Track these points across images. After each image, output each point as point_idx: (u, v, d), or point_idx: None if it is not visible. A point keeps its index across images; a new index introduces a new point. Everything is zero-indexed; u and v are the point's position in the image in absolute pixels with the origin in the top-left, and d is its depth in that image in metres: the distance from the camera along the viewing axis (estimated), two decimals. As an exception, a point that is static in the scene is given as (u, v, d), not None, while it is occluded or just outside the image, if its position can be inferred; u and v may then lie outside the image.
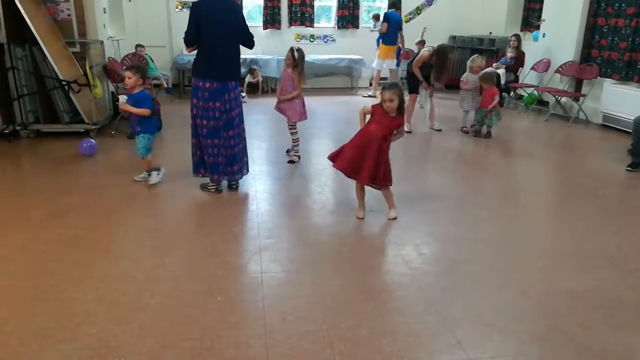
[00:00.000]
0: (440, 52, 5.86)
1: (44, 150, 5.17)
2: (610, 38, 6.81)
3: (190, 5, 3.71)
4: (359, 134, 3.40)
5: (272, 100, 8.25)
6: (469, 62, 6.26)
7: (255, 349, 2.12)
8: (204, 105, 3.75)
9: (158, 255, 2.92)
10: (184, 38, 3.73)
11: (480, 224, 3.50)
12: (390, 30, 8.37)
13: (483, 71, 6.10)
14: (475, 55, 6.38)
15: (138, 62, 7.75)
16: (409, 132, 6.15)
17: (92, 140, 5.00)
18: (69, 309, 2.37)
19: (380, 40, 8.60)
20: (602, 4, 6.89)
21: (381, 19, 8.61)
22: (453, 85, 7.80)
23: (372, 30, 9.04)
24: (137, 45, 7.74)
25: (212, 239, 3.17)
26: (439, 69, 5.86)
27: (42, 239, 3.12)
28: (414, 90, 6.26)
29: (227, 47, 3.72)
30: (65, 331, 2.20)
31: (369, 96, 8.75)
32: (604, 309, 2.48)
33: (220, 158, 3.87)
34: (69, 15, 5.73)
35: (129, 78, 3.91)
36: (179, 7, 9.17)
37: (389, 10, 8.64)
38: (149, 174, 4.14)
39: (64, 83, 5.39)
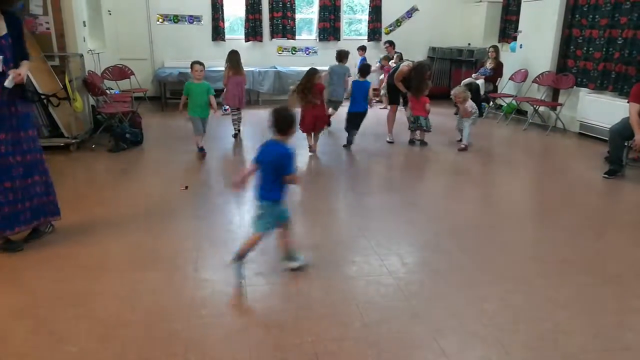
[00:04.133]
0: (418, 70, 6.03)
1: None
2: (585, 48, 6.98)
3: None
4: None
5: (254, 112, 8.30)
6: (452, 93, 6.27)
7: (239, 364, 2.10)
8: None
9: (139, 270, 2.88)
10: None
11: (461, 234, 3.53)
12: None
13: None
14: (457, 87, 6.41)
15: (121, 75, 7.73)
16: (391, 142, 6.23)
17: None
18: (47, 327, 2.32)
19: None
20: (577, 16, 7.07)
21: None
22: (435, 96, 7.89)
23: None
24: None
25: (194, 252, 3.14)
26: (418, 85, 5.98)
27: (20, 256, 3.05)
28: (394, 101, 6.41)
29: None
30: (43, 350, 2.16)
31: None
32: (585, 315, 2.51)
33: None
34: (47, 28, 5.67)
35: None
36: (160, 20, 9.15)
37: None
38: None
39: (42, 97, 5.29)
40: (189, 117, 5.39)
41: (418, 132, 6.20)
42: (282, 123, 2.68)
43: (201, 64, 5.34)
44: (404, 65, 6.16)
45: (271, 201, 2.75)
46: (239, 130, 6.45)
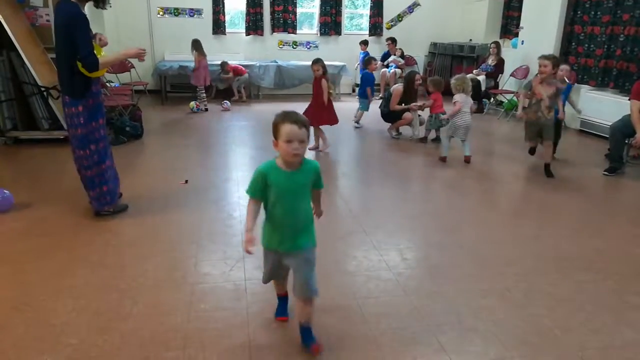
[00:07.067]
0: (407, 79, 6.18)
1: (22, 158, 5.07)
2: (586, 45, 6.97)
3: (78, 12, 3.29)
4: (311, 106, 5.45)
5: (257, 106, 8.28)
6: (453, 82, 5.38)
7: (240, 358, 2.10)
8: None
9: (139, 264, 2.88)
10: (90, 58, 3.28)
11: (461, 230, 3.54)
12: None
13: (432, 77, 6.34)
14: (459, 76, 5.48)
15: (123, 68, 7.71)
16: (397, 137, 6.36)
17: (5, 191, 3.67)
18: (48, 319, 2.32)
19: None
20: (579, 12, 7.05)
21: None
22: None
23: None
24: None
25: (194, 246, 3.14)
26: (409, 93, 6.09)
27: (21, 248, 3.05)
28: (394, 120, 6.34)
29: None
30: (44, 342, 2.16)
31: None
32: (584, 312, 2.52)
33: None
34: (48, 20, 5.65)
35: None
36: (161, 13, 9.13)
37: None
38: None
39: (42, 89, 5.31)
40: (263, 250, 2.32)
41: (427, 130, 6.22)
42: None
43: (304, 125, 1.95)
44: (396, 87, 6.22)
45: None
46: (206, 109, 7.82)
